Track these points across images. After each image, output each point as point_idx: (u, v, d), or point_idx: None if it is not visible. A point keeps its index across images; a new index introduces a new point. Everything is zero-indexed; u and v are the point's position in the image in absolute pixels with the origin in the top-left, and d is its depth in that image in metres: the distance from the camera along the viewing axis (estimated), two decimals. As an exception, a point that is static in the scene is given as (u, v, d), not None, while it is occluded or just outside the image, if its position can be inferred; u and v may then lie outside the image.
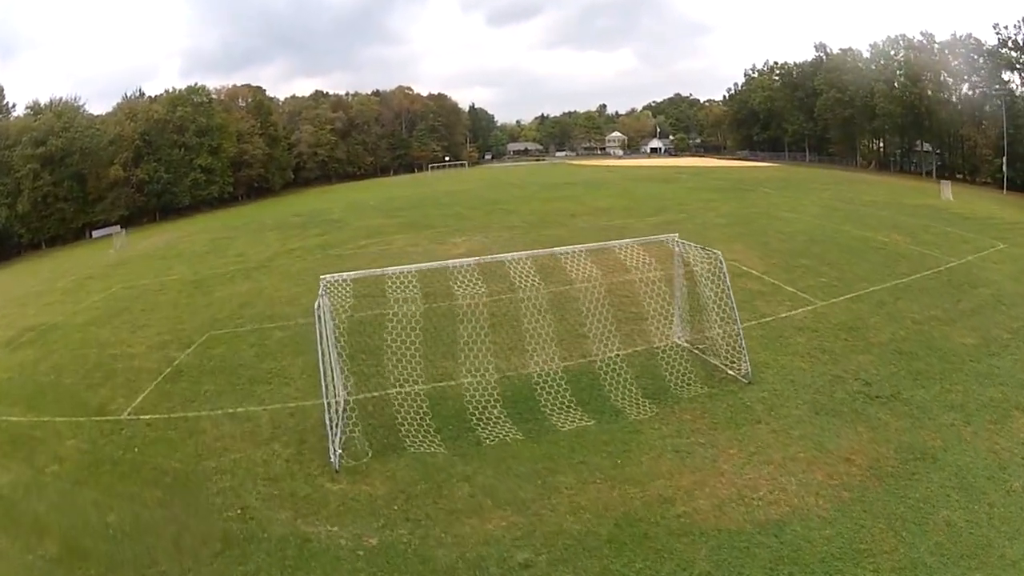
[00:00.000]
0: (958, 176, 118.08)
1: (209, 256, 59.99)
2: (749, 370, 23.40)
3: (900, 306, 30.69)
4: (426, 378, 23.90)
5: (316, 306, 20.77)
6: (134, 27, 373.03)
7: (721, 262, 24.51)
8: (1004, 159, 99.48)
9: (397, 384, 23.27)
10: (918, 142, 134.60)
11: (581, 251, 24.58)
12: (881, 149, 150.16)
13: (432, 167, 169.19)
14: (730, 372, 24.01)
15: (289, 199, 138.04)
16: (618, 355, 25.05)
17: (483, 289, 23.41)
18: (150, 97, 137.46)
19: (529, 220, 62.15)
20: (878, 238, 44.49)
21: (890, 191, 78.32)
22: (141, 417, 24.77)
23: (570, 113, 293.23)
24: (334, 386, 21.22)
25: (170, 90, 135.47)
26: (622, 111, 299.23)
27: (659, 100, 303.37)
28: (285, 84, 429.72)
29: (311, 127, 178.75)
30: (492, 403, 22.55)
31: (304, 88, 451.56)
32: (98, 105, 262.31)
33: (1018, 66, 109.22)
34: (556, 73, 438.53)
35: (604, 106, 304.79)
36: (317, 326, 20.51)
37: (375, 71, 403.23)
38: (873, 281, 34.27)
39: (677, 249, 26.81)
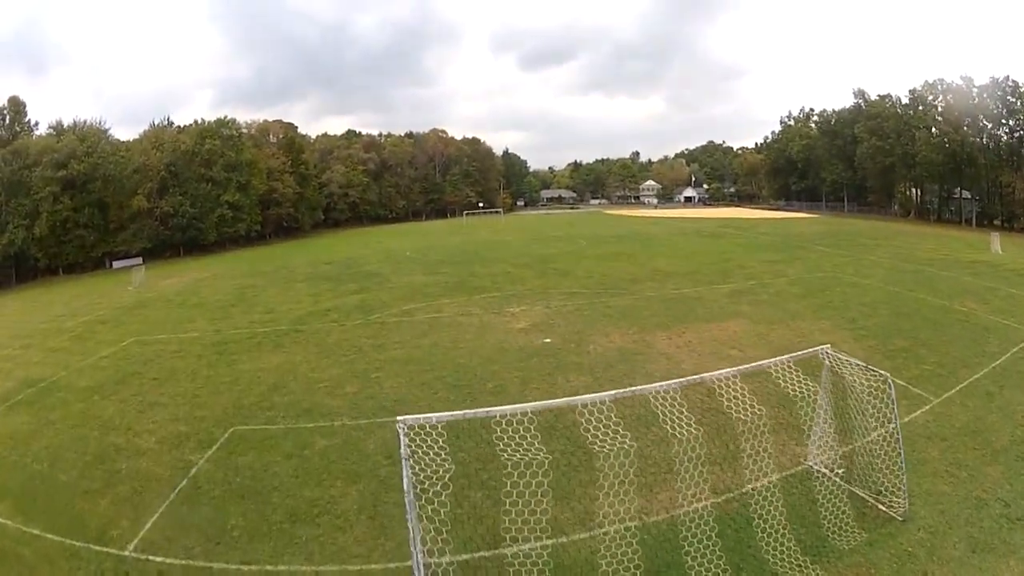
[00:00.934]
0: (996, 222, 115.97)
1: (234, 309, 54.88)
2: (907, 507, 19.20)
3: (1007, 397, 27.51)
4: (551, 531, 17.95)
5: (401, 453, 14.73)
6: (168, 52, 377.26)
7: (890, 385, 19.83)
8: None
9: (512, 541, 17.46)
10: (956, 189, 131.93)
11: (734, 376, 18.96)
12: (919, 197, 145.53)
13: (467, 213, 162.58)
14: (882, 507, 19.63)
15: (319, 242, 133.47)
16: (769, 485, 20.22)
17: (619, 426, 17.22)
18: (178, 127, 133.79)
19: (588, 284, 57.22)
20: (955, 307, 42.78)
21: (940, 244, 78.32)
22: (151, 559, 19.01)
23: (603, 160, 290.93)
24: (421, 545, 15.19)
25: (199, 121, 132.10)
26: (653, 157, 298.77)
27: (692, 148, 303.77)
28: (316, 122, 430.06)
29: (343, 167, 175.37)
30: (629, 558, 16.92)
31: (334, 126, 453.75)
32: (124, 130, 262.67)
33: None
34: (586, 117, 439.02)
35: (637, 153, 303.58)
36: (404, 474, 14.69)
37: (406, 111, 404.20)
38: (971, 364, 31.27)
39: (828, 363, 21.38)
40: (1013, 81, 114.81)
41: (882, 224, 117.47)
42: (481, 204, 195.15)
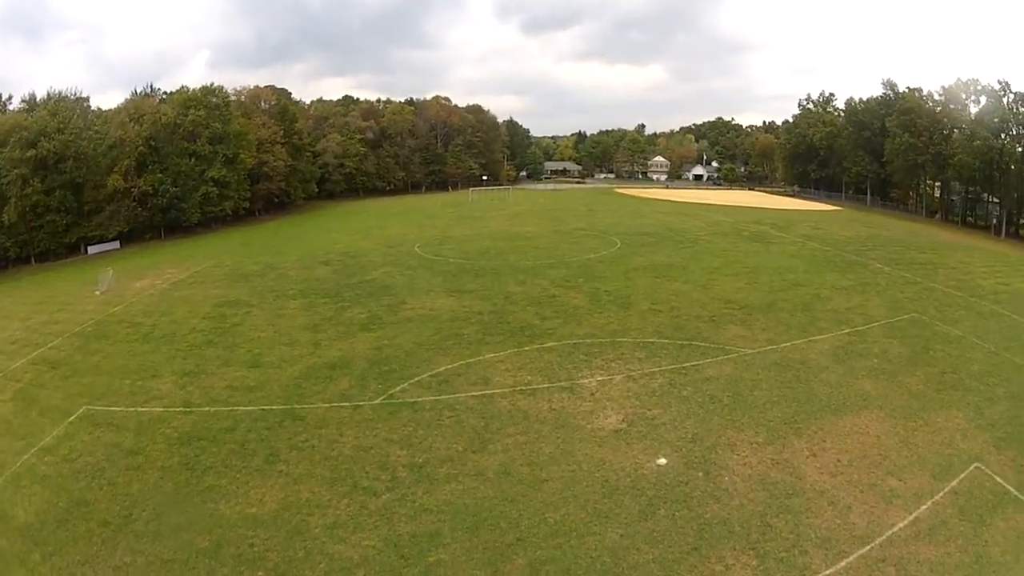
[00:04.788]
0: (1020, 234, 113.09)
1: (210, 353, 42.65)
2: None
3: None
4: None
5: None
6: (166, 13, 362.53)
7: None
8: None
9: None
10: (985, 194, 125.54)
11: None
12: (946, 196, 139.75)
13: (473, 190, 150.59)
14: None
15: (313, 221, 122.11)
16: None
17: None
18: (162, 95, 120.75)
19: (659, 326, 47.08)
20: None
21: (991, 266, 73.42)
22: None
23: (608, 131, 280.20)
24: None
25: (185, 88, 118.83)
26: (655, 128, 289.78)
27: (699, 123, 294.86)
28: (314, 83, 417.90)
29: (339, 136, 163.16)
30: None
31: (333, 88, 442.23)
32: (119, 95, 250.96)
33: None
34: (586, 84, 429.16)
35: (643, 125, 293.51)
36: None
37: (405, 75, 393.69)
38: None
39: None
40: None
41: (915, 226, 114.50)
42: (485, 177, 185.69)
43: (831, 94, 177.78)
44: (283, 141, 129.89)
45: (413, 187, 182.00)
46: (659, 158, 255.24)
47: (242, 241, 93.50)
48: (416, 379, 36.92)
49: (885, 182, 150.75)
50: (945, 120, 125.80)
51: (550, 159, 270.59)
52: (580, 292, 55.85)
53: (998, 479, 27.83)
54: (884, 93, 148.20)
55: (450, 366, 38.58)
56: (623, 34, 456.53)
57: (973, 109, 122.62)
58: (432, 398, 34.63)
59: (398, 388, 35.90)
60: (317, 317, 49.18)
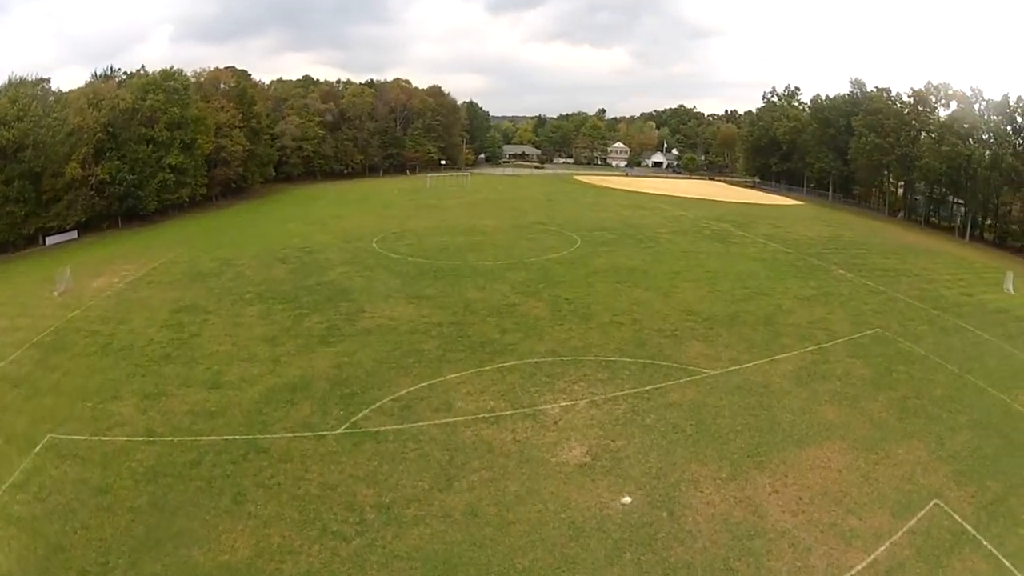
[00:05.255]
0: (985, 237, 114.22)
1: (169, 369, 40.99)
2: None
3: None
4: None
5: None
6: None
7: None
8: None
9: None
10: (949, 196, 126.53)
11: None
12: (911, 197, 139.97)
13: (431, 176, 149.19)
14: None
15: (269, 207, 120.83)
16: None
17: None
18: (122, 75, 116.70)
19: (620, 342, 46.90)
20: (1015, 407, 39.68)
21: (954, 273, 76.41)
22: None
23: (568, 116, 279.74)
24: None
25: (143, 70, 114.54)
26: (616, 113, 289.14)
27: (660, 110, 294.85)
28: (275, 57, 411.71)
29: (298, 118, 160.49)
30: None
31: (293, 64, 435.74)
32: (81, 71, 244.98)
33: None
34: (548, 66, 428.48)
35: (603, 111, 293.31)
36: None
37: (366, 52, 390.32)
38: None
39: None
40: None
41: (878, 226, 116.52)
42: (443, 161, 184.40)
43: (796, 88, 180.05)
44: (241, 125, 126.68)
45: (371, 170, 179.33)
46: (619, 144, 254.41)
47: (199, 231, 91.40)
48: (378, 404, 36.13)
49: (848, 179, 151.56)
50: (913, 123, 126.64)
51: (509, 142, 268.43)
52: (541, 300, 55.33)
53: (956, 517, 28.20)
54: (851, 91, 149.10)
55: (411, 388, 37.85)
56: (592, 16, 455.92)
57: (942, 112, 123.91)
58: (395, 427, 33.89)
59: (360, 415, 35.08)
60: (275, 327, 48.03)
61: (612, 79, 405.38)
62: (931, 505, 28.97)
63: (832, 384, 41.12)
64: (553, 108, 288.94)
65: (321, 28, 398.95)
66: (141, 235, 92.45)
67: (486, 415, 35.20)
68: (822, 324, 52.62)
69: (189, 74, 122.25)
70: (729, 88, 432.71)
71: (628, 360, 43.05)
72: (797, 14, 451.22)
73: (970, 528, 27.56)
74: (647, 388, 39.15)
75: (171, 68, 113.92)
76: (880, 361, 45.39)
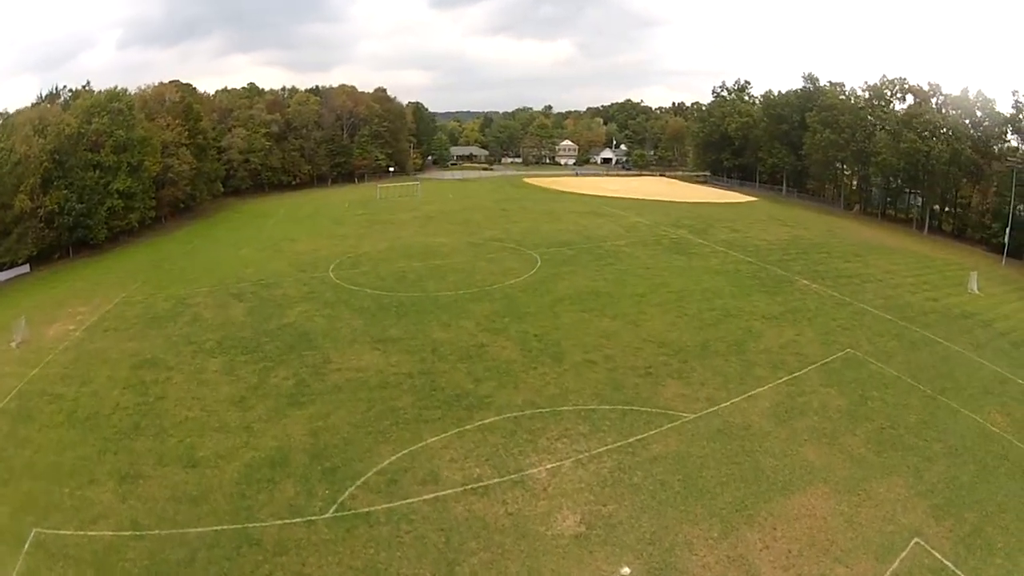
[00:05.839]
0: (943, 228, 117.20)
1: (140, 441, 38.89)
2: None
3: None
4: None
5: None
6: None
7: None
8: (1008, 229, 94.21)
9: None
10: (906, 188, 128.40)
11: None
12: (866, 189, 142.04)
13: (381, 186, 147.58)
14: None
15: (220, 227, 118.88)
16: None
17: None
18: (67, 94, 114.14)
19: (597, 385, 46.45)
20: (988, 427, 41.65)
21: (919, 275, 78.96)
22: None
23: (514, 114, 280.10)
24: None
25: (87, 87, 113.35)
26: (558, 104, 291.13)
27: (607, 104, 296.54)
28: (222, 59, 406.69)
29: (244, 130, 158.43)
30: None
31: (239, 65, 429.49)
32: (31, 79, 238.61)
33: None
34: (493, 60, 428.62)
35: (550, 107, 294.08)
36: None
37: (311, 49, 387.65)
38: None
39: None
40: (986, 97, 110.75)
41: (835, 222, 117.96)
42: (392, 168, 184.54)
43: (746, 82, 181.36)
44: (188, 142, 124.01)
45: (319, 180, 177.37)
46: (567, 142, 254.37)
47: (150, 262, 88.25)
48: (362, 479, 34.78)
49: (802, 173, 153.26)
50: (869, 118, 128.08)
51: (456, 144, 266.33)
52: (509, 339, 54.11)
53: (937, 555, 29.20)
54: (804, 86, 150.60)
55: (394, 458, 36.51)
56: (535, 9, 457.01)
57: (899, 107, 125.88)
58: (385, 506, 32.65)
59: (347, 493, 33.78)
60: (242, 385, 46.05)
61: (556, 71, 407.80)
62: (912, 544, 29.86)
63: (810, 420, 41.33)
64: (498, 103, 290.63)
65: (267, 28, 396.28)
66: (92, 267, 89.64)
67: (474, 485, 34.22)
68: (793, 348, 52.90)
69: (133, 91, 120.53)
70: (675, 76, 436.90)
71: (607, 408, 42.43)
72: (744, 2, 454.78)
73: (949, 564, 28.53)
74: (630, 440, 38.61)
75: (115, 88, 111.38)
76: (854, 388, 45.90)
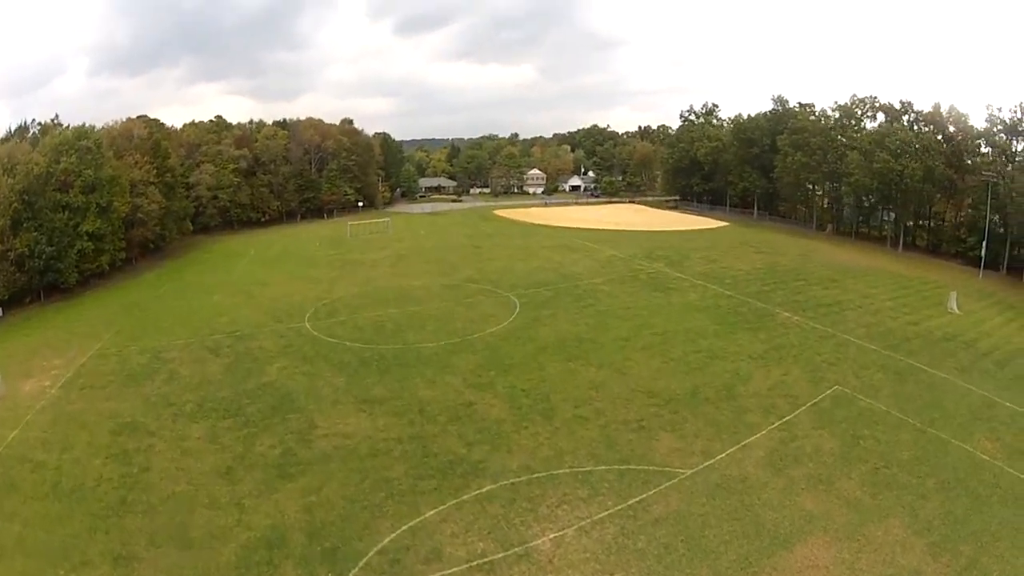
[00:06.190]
0: (918, 244, 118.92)
1: (129, 519, 37.09)
2: None
3: None
4: None
5: None
6: (42, 16, 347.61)
7: None
8: (985, 242, 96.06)
9: None
10: (879, 207, 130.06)
11: None
12: (838, 209, 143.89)
13: (351, 223, 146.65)
14: None
15: (190, 268, 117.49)
16: None
17: None
18: (36, 129, 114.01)
19: (592, 446, 45.63)
20: (978, 455, 42.54)
21: (898, 297, 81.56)
22: None
23: (480, 143, 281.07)
24: None
25: (56, 122, 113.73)
26: (523, 128, 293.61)
27: (574, 130, 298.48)
28: (189, 88, 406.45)
29: (212, 166, 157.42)
30: None
31: (206, 94, 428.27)
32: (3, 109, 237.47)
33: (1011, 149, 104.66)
34: (456, 85, 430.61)
35: (516, 135, 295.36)
36: None
37: (277, 76, 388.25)
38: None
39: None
40: (960, 112, 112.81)
41: (808, 245, 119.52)
42: (361, 203, 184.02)
43: (714, 105, 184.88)
44: (156, 180, 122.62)
45: (288, 216, 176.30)
46: (535, 171, 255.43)
47: (122, 309, 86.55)
48: (364, 560, 33.31)
49: (773, 195, 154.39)
50: (840, 139, 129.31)
51: (424, 174, 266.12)
52: (496, 396, 53.07)
53: None
54: (774, 108, 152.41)
55: (394, 535, 35.17)
56: (496, 33, 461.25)
57: (869, 125, 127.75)
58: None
59: (350, 576, 32.50)
60: (227, 455, 44.40)
61: (519, 93, 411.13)
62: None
63: (805, 467, 41.25)
64: (462, 129, 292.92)
65: (233, 55, 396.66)
66: (64, 312, 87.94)
67: (479, 562, 33.05)
68: (781, 389, 53.15)
69: (101, 126, 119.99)
70: (639, 96, 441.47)
71: (603, 468, 41.71)
72: (703, 19, 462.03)
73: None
74: (630, 503, 37.94)
75: (83, 125, 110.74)
76: (845, 428, 46.16)
